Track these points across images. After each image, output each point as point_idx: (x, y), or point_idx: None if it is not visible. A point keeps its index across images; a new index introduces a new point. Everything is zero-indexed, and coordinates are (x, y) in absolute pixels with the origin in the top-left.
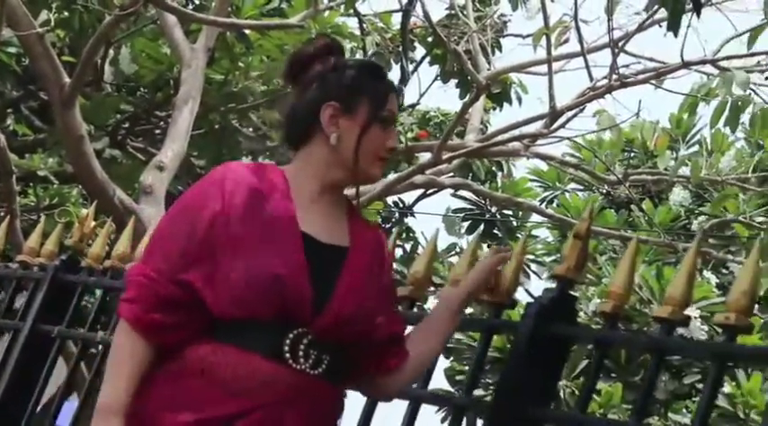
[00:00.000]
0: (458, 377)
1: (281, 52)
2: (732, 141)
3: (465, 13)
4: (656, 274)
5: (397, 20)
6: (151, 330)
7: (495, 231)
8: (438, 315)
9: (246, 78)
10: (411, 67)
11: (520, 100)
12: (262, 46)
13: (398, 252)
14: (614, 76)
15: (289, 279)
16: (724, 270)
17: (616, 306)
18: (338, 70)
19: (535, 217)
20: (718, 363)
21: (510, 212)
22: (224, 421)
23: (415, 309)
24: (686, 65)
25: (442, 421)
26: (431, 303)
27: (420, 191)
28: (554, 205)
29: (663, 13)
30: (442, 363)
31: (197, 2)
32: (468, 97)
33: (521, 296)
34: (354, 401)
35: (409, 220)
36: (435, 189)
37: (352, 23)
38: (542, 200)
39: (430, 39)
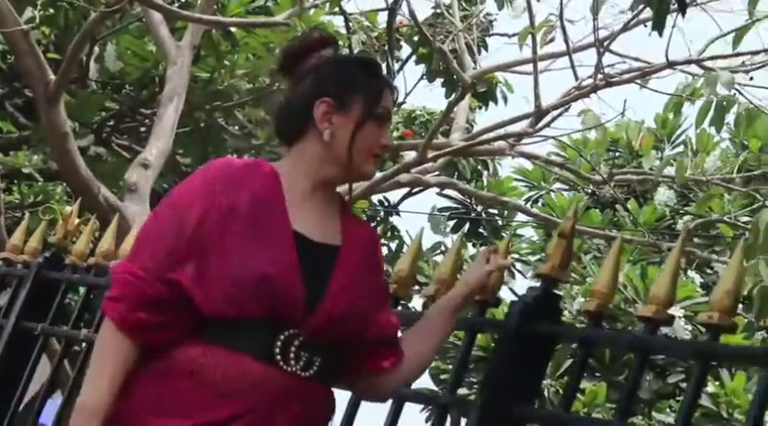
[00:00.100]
0: (442, 376)
1: (266, 50)
2: (717, 141)
3: (451, 12)
4: (641, 274)
5: (382, 18)
6: (137, 329)
7: (481, 230)
8: (434, 315)
9: (232, 76)
10: (397, 66)
11: (505, 99)
12: (247, 44)
13: (383, 250)
14: (599, 76)
15: (280, 279)
16: (708, 270)
17: (600, 305)
18: (333, 65)
19: (520, 217)
20: (702, 362)
21: (495, 211)
22: None
23: (400, 308)
24: (671, 65)
25: (427, 420)
26: (415, 301)
27: (405, 190)
28: (539, 204)
29: (648, 12)
30: None
31: None
32: (453, 96)
33: (505, 294)
34: (340, 399)
35: (394, 219)
36: (421, 187)
37: (338, 22)
38: (527, 200)
39: (416, 38)
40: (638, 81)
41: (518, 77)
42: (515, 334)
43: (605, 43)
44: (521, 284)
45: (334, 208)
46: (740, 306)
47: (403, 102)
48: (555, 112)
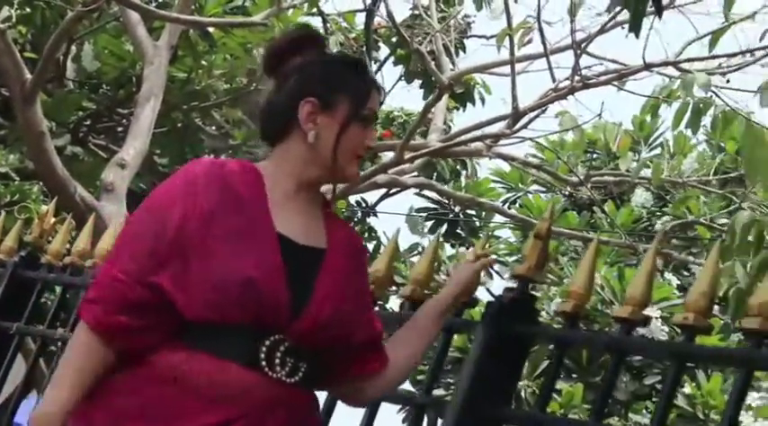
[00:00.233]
0: (419, 377)
1: (244, 50)
2: (694, 144)
3: (429, 13)
4: (618, 275)
5: (360, 20)
6: (117, 332)
7: (459, 231)
8: (422, 317)
9: (209, 76)
10: (375, 67)
11: (483, 100)
12: (225, 44)
13: None
14: (577, 78)
15: (264, 283)
16: (685, 272)
17: (576, 306)
18: (318, 64)
19: (498, 218)
20: (677, 363)
21: (473, 212)
22: None
23: (376, 308)
24: (648, 67)
25: (404, 420)
26: (392, 302)
27: (383, 191)
28: (517, 206)
29: (625, 15)
30: None
31: None
32: (431, 97)
33: (482, 295)
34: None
35: (372, 220)
36: (398, 188)
37: (316, 23)
38: (505, 201)
39: (394, 39)
40: (615, 83)
41: (496, 79)
42: (492, 335)
43: (582, 45)
44: (498, 285)
45: (318, 210)
46: (716, 307)
47: (381, 103)
48: (532, 114)
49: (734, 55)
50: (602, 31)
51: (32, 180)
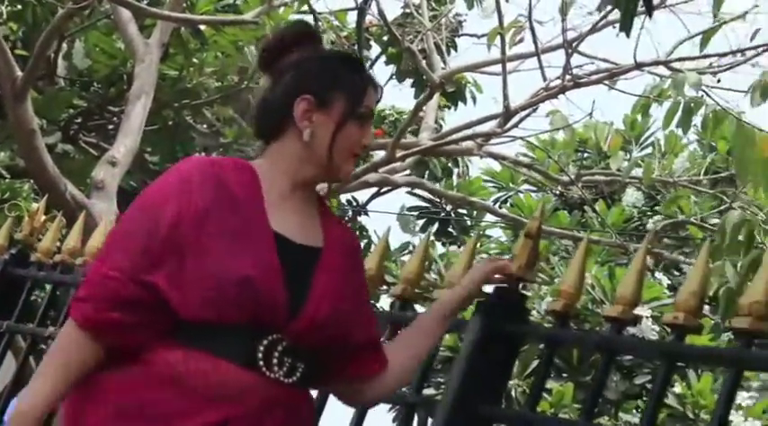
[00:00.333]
0: None
1: (235, 49)
2: (686, 143)
3: (420, 12)
4: (609, 274)
5: (352, 18)
6: (107, 329)
7: (450, 230)
8: (429, 318)
9: (200, 74)
10: (366, 66)
11: (474, 99)
12: (216, 42)
13: None
14: (568, 77)
15: (261, 282)
16: (676, 272)
17: (567, 305)
18: (315, 60)
19: (489, 217)
20: (667, 362)
21: (465, 211)
22: None
23: None
24: (639, 66)
25: (394, 420)
26: (383, 301)
27: (374, 190)
28: (508, 205)
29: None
30: None
31: None
32: (422, 96)
33: None
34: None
35: (363, 219)
36: (389, 187)
37: (307, 21)
38: (496, 201)
39: (385, 37)
40: (607, 82)
41: (487, 78)
42: (482, 334)
43: (574, 44)
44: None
45: (314, 208)
46: (707, 307)
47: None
48: (523, 113)
49: (725, 54)
50: (594, 30)
51: (23, 177)
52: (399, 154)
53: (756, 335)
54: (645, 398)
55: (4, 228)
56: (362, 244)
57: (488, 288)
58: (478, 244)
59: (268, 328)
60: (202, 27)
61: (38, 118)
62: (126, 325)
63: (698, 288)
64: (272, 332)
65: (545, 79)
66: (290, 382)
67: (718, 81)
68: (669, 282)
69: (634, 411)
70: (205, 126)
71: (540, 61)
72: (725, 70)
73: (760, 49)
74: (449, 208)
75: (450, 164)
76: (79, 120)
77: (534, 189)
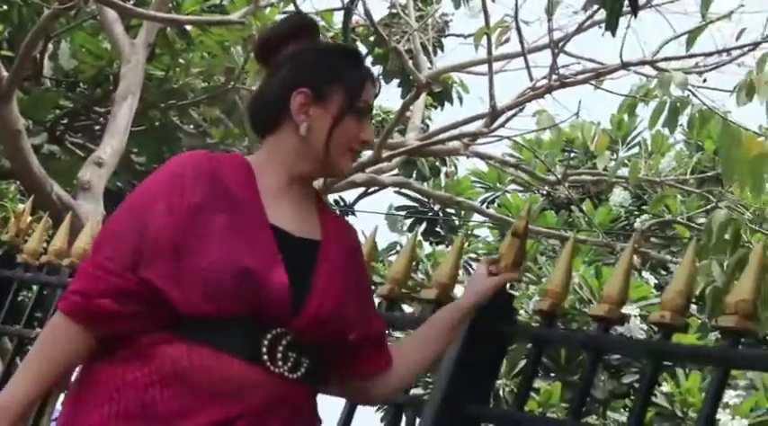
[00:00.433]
0: None
1: (222, 49)
2: (672, 143)
3: (407, 12)
4: (596, 274)
5: (338, 18)
6: (97, 317)
7: (438, 229)
8: (438, 322)
9: (187, 75)
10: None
11: (461, 99)
12: (203, 42)
13: None
14: (554, 77)
15: (262, 274)
16: (663, 271)
17: (553, 304)
18: (312, 53)
19: (477, 217)
20: (654, 361)
21: (453, 211)
22: None
23: None
24: (625, 66)
25: (382, 419)
26: None
27: (361, 190)
28: (495, 205)
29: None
30: None
31: None
32: (408, 96)
33: (459, 292)
34: None
35: (350, 219)
36: (376, 187)
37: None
38: (484, 201)
39: (372, 38)
40: (593, 82)
41: (473, 78)
42: (470, 333)
43: (560, 44)
44: None
45: (311, 203)
46: (694, 307)
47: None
48: (509, 113)
49: (710, 54)
50: (580, 30)
51: (9, 178)
52: (386, 154)
53: (743, 334)
54: (633, 397)
55: None
56: None
57: None
58: (466, 244)
59: (271, 321)
60: (188, 27)
61: (24, 118)
62: (116, 314)
63: (684, 287)
64: (275, 325)
65: (531, 79)
66: (295, 377)
67: (704, 80)
68: (656, 281)
69: (622, 410)
70: (192, 126)
71: (526, 61)
72: (711, 70)
73: (745, 49)
74: (437, 207)
75: (437, 164)
76: (65, 121)
77: (521, 189)
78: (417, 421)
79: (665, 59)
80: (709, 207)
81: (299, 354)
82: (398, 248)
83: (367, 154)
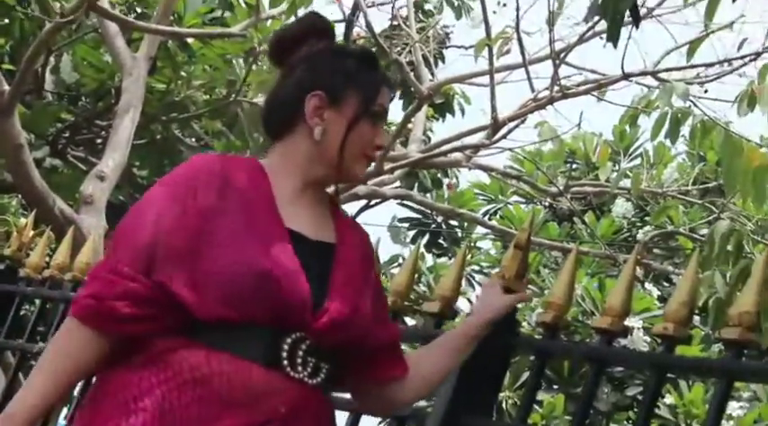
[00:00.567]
0: None
1: (223, 61)
2: (674, 154)
3: (408, 23)
4: (599, 286)
5: (339, 30)
6: (112, 320)
7: (441, 241)
8: (454, 337)
9: (189, 87)
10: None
11: (463, 111)
12: (204, 55)
13: None
14: (555, 88)
15: (281, 277)
16: (666, 283)
17: (556, 317)
18: (327, 55)
19: (481, 229)
20: (657, 374)
21: (456, 223)
22: None
23: None
24: (627, 76)
25: None
26: None
27: (363, 202)
28: (498, 217)
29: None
30: None
31: (139, 10)
32: (410, 108)
33: (462, 305)
34: None
35: None
36: (378, 200)
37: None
38: (486, 213)
39: (373, 49)
40: (595, 93)
41: (475, 89)
42: None
43: (561, 55)
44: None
45: (325, 208)
46: (698, 318)
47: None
48: (511, 124)
49: (712, 64)
50: (581, 41)
51: (11, 192)
52: (388, 166)
53: (746, 346)
54: (636, 409)
55: None
56: None
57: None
58: (469, 256)
59: (291, 326)
60: (190, 40)
61: (25, 132)
62: (130, 317)
63: (687, 299)
64: (294, 330)
65: (533, 90)
66: (315, 383)
67: (706, 91)
68: (659, 293)
69: (625, 422)
70: (193, 139)
71: (527, 72)
72: (712, 80)
73: (747, 59)
74: (439, 219)
75: (439, 176)
76: (67, 135)
77: (523, 201)
78: None
79: (667, 70)
80: (711, 218)
81: (318, 359)
82: (401, 261)
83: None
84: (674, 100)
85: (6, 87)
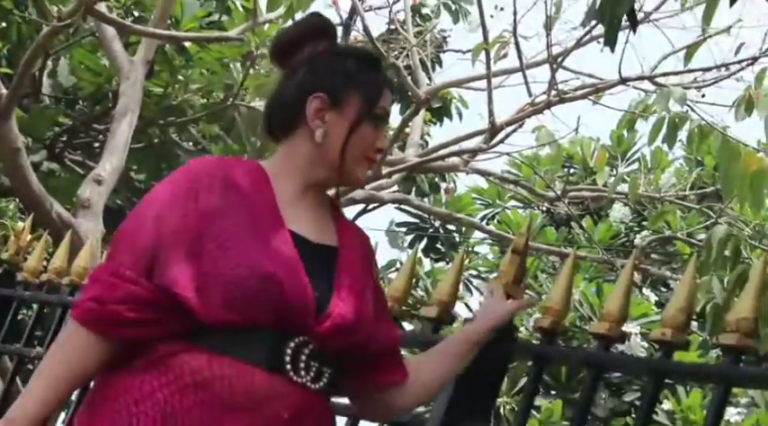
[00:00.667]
0: None
1: (220, 65)
2: (672, 159)
3: (405, 28)
4: (596, 291)
5: (337, 34)
6: (114, 324)
7: (438, 246)
8: (455, 343)
9: (186, 91)
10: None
11: (460, 115)
12: (201, 59)
13: None
14: (553, 92)
15: (285, 280)
16: (663, 288)
17: (554, 322)
18: (329, 57)
19: (478, 234)
20: (655, 379)
21: (453, 227)
22: None
23: None
24: (624, 81)
25: None
26: None
27: (360, 207)
28: (495, 221)
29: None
30: None
31: (136, 14)
32: (407, 112)
33: (460, 310)
34: None
35: None
36: (376, 204)
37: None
38: (483, 217)
39: None
40: (592, 97)
41: (473, 93)
42: None
43: (558, 59)
44: (476, 300)
45: (327, 211)
46: (695, 324)
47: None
48: (509, 129)
49: (709, 69)
50: (578, 45)
51: (8, 196)
52: (386, 170)
53: (744, 351)
54: (634, 415)
55: None
56: None
57: (476, 305)
58: (466, 261)
59: (294, 330)
60: (187, 44)
61: (23, 136)
62: (132, 321)
63: (685, 304)
64: (298, 334)
65: (530, 94)
66: (317, 388)
67: (703, 96)
68: (657, 298)
69: None
70: (191, 143)
71: (525, 76)
72: (709, 85)
73: (744, 64)
74: (437, 223)
75: (437, 180)
76: (64, 138)
77: (521, 205)
78: None
79: (664, 74)
80: (709, 223)
81: (321, 364)
82: (398, 265)
83: None
84: (672, 104)
85: (4, 91)
